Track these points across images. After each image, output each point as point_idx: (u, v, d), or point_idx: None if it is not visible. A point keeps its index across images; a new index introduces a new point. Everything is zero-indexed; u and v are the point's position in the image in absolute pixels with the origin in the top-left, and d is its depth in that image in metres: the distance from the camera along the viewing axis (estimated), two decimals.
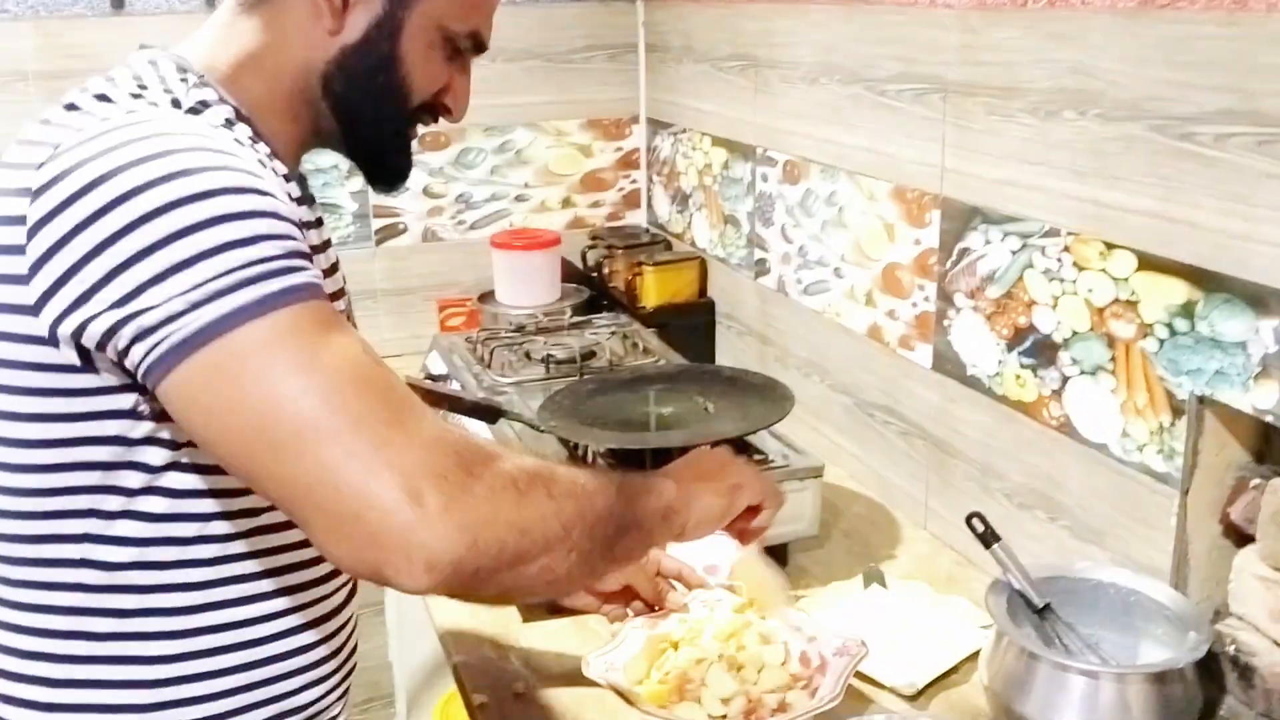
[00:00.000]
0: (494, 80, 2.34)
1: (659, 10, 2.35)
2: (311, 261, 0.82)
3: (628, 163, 2.51)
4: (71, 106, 0.85)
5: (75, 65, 2.05)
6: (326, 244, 1.02)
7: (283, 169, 0.93)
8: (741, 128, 2.02)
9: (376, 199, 2.32)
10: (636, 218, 2.54)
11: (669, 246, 2.35)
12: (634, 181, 2.52)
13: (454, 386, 1.79)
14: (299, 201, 0.95)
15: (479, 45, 1.01)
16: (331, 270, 1.01)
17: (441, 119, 1.03)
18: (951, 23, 1.41)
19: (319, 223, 1.02)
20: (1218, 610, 1.14)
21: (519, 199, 2.44)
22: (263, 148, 0.92)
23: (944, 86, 1.44)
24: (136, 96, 0.86)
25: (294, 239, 0.80)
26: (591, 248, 2.41)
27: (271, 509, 0.89)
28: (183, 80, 0.90)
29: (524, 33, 2.35)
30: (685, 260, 2.24)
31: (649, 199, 2.52)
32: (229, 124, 0.89)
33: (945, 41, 1.42)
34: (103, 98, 0.85)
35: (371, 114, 0.98)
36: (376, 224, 2.34)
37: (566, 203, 2.48)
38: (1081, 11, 1.20)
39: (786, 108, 1.85)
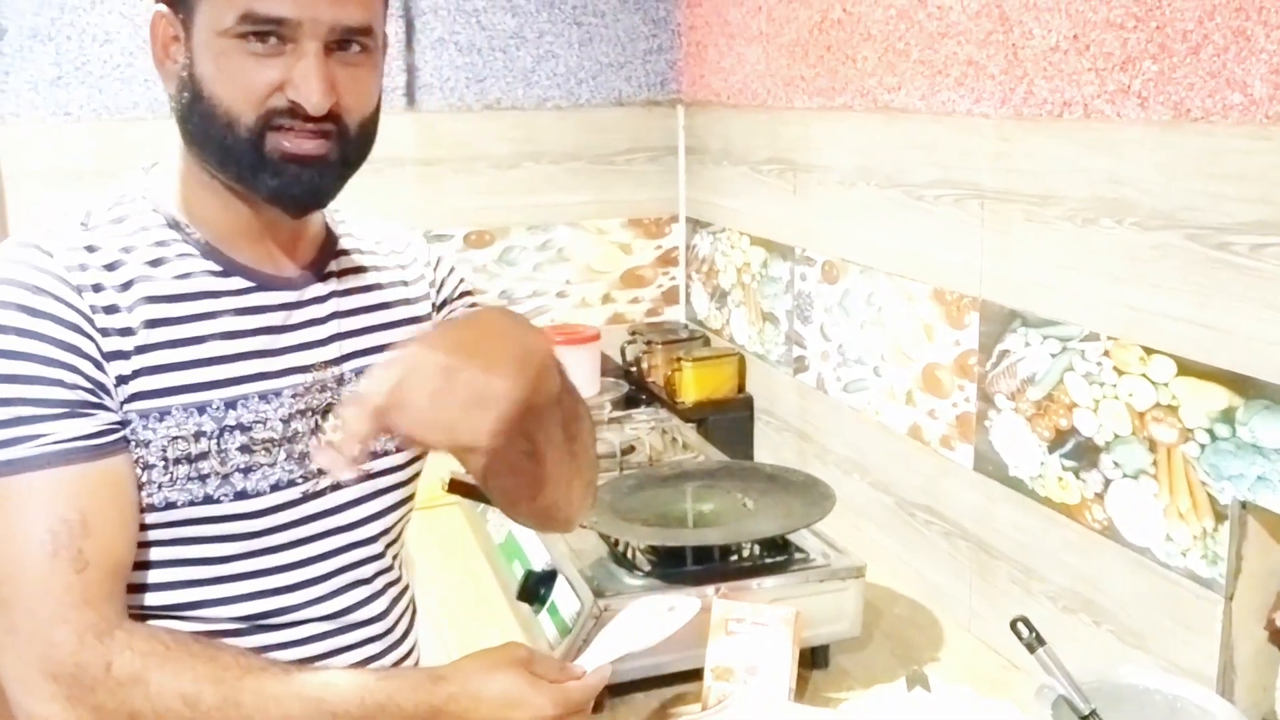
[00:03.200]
0: (538, 181, 2.42)
1: (699, 115, 2.41)
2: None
3: (667, 260, 2.55)
4: None
5: (135, 165, 2.12)
6: (330, 316, 1.06)
7: (209, 266, 1.00)
8: (780, 228, 2.06)
9: None
10: (675, 314, 2.58)
11: (708, 342, 2.38)
12: (673, 278, 2.57)
13: None
14: (257, 284, 1.01)
15: (275, 23, 0.91)
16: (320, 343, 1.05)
17: (303, 114, 0.94)
18: (988, 132, 1.45)
19: (332, 296, 1.07)
20: (1265, 718, 1.13)
21: (560, 295, 2.49)
22: (180, 247, 0.99)
23: (981, 192, 1.47)
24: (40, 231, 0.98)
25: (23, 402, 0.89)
26: (631, 343, 2.45)
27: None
28: (120, 198, 1.01)
29: (568, 136, 2.42)
30: (724, 356, 2.27)
31: (688, 295, 2.56)
32: (139, 232, 0.98)
33: (982, 149, 1.46)
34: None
35: (215, 148, 0.96)
36: None
37: (606, 299, 2.53)
38: (1116, 124, 1.24)
39: (824, 209, 1.89)
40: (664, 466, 1.81)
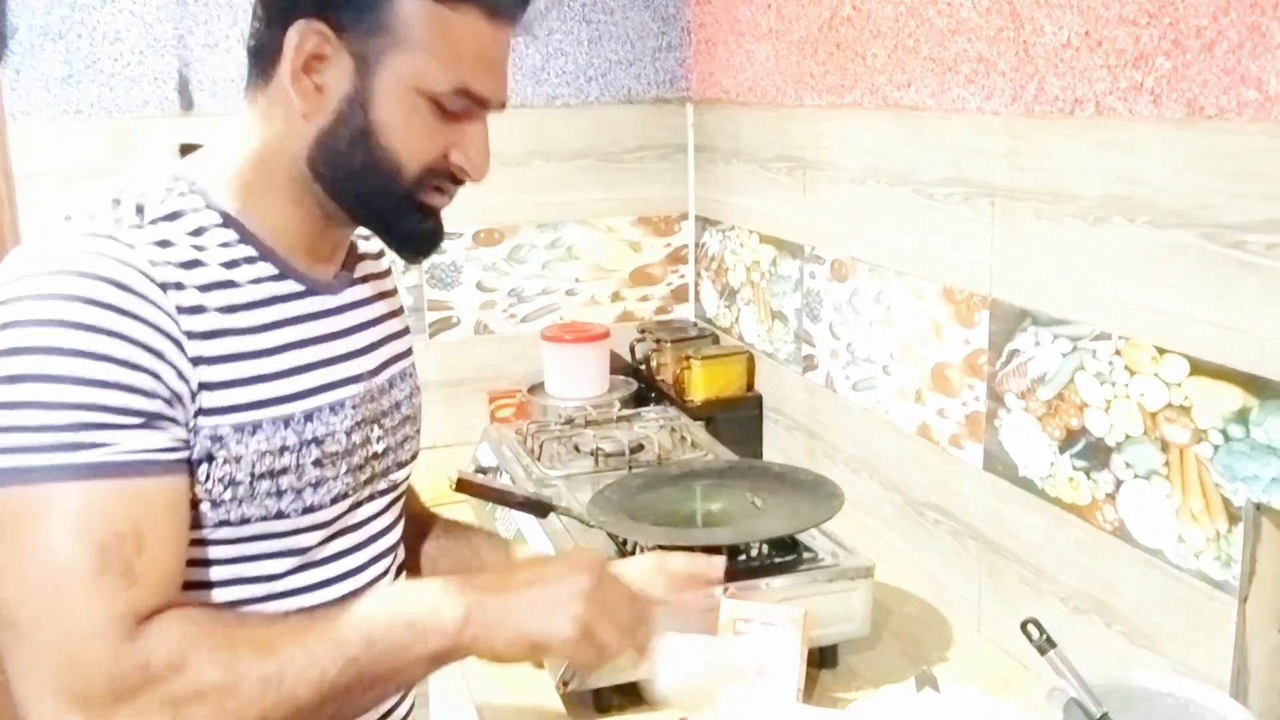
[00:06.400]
0: (547, 179, 2.41)
1: (708, 112, 2.40)
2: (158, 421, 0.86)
3: (676, 258, 2.55)
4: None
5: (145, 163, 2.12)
6: (366, 324, 1.07)
7: (269, 270, 0.96)
8: (789, 226, 2.05)
9: (431, 293, 2.37)
10: (685, 312, 2.58)
11: (717, 340, 2.38)
12: (682, 276, 2.56)
13: (504, 480, 1.81)
14: (308, 289, 0.99)
15: (478, 101, 0.95)
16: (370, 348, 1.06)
17: (463, 180, 0.99)
18: (999, 129, 1.44)
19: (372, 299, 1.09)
20: None
21: (569, 293, 2.49)
22: (243, 249, 0.95)
23: (992, 191, 1.46)
24: (94, 216, 0.90)
25: (99, 407, 0.83)
26: (640, 341, 2.44)
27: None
28: (169, 189, 0.94)
29: (577, 133, 2.42)
30: (733, 354, 2.26)
31: (697, 293, 2.56)
32: (198, 232, 0.92)
33: (992, 147, 1.45)
34: (67, 217, 0.91)
35: (364, 190, 0.96)
36: (430, 317, 2.39)
37: (616, 297, 2.52)
38: (1128, 121, 1.23)
39: (834, 208, 1.88)
40: (672, 465, 1.80)
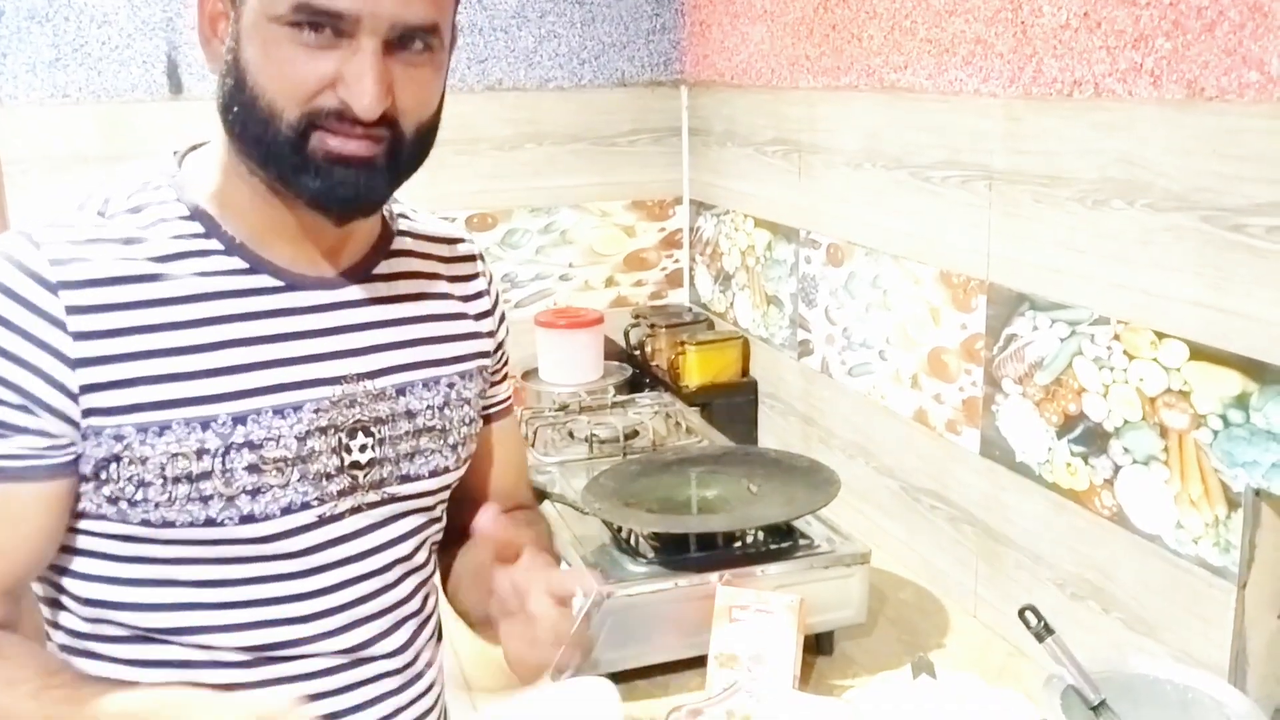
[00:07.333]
0: (540, 162, 2.39)
1: (703, 95, 2.39)
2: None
3: (671, 243, 2.53)
4: None
5: (135, 149, 2.11)
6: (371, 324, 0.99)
7: (235, 264, 0.93)
8: (784, 210, 2.04)
9: None
10: (679, 297, 2.56)
11: (711, 326, 2.37)
12: (677, 261, 2.55)
13: None
14: (291, 283, 0.94)
15: (329, 14, 0.83)
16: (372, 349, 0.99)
17: (353, 116, 0.86)
18: (996, 112, 1.42)
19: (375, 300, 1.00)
20: (1278, 708, 1.11)
21: (563, 278, 2.47)
22: (200, 243, 0.92)
23: (989, 174, 1.45)
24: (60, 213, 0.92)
25: None
26: (634, 326, 2.43)
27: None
28: (145, 183, 0.93)
29: (570, 117, 2.40)
30: (728, 339, 2.25)
31: (691, 278, 2.54)
32: (155, 224, 0.91)
33: (990, 130, 1.44)
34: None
35: (254, 140, 0.88)
36: None
37: (610, 282, 2.51)
38: (1128, 103, 1.21)
39: (830, 191, 1.87)
40: (668, 451, 1.79)
